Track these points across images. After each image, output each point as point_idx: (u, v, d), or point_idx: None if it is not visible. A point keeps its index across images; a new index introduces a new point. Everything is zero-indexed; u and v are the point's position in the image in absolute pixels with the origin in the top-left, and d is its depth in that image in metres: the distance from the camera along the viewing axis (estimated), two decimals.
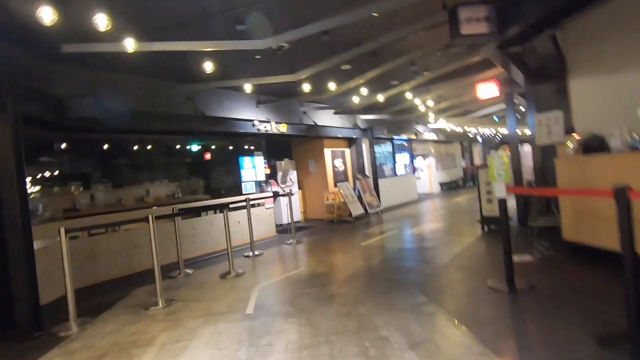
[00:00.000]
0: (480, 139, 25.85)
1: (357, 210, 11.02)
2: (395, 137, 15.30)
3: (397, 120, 14.35)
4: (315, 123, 10.91)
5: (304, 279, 5.14)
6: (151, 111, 7.17)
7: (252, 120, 8.96)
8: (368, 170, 13.09)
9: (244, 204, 7.46)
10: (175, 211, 6.22)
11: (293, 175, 11.81)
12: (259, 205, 9.20)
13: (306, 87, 6.51)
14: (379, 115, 12.32)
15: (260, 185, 9.97)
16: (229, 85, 6.85)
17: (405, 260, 5.71)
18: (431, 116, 11.97)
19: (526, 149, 10.06)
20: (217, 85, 7.10)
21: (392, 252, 6.41)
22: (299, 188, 12.51)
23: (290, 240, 8.14)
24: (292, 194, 8.64)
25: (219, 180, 10.14)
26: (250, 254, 7.19)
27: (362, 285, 4.59)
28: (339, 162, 12.46)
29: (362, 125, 12.86)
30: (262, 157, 9.90)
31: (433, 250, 6.26)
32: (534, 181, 7.71)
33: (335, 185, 11.02)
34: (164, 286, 4.90)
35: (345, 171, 12.72)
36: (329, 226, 10.38)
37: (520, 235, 6.70)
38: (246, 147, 10.00)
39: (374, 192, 12.10)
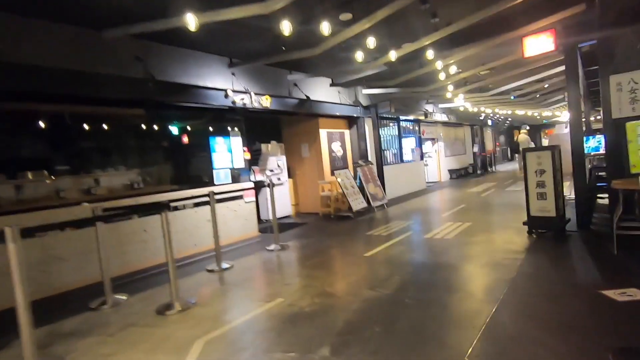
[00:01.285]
0: (490, 122, 23.83)
1: (358, 203, 9.13)
2: (402, 117, 13.29)
3: (406, 97, 12.31)
4: (307, 97, 8.90)
5: (277, 326, 3.27)
6: (80, 71, 5.17)
7: (225, 90, 6.96)
8: (371, 156, 11.14)
9: (222, 196, 5.54)
10: (95, 213, 4.28)
11: (282, 160, 9.87)
12: (234, 198, 7.29)
13: (286, 28, 4.50)
14: (385, 89, 10.29)
15: (242, 173, 8.03)
16: (165, 27, 4.77)
17: (431, 289, 3.83)
18: (450, 88, 9.93)
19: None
20: (146, 30, 5.00)
21: (408, 271, 4.52)
22: (290, 176, 10.58)
23: (272, 246, 6.26)
24: (274, 185, 6.72)
25: (194, 167, 8.17)
26: (216, 267, 5.32)
27: (373, 347, 2.72)
28: (337, 146, 10.50)
29: (364, 102, 10.84)
30: (239, 138, 7.93)
31: (469, 270, 4.39)
32: (596, 168, 5.79)
33: (333, 174, 9.08)
34: (72, 325, 3.06)
35: (344, 156, 10.76)
36: (324, 224, 8.50)
37: (593, 246, 4.82)
38: (227, 126, 8.01)
39: (378, 182, 10.19)
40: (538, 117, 25.40)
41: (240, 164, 7.88)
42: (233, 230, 7.36)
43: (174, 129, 7.33)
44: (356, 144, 10.99)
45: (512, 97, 16.63)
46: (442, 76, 8.07)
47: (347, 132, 11.00)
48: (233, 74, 7.28)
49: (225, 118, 7.67)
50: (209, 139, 7.40)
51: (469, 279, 4.12)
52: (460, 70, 8.20)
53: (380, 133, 12.18)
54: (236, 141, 7.87)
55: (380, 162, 11.01)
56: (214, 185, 7.22)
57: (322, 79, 9.58)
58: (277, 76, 8.21)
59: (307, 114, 9.56)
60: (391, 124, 13.18)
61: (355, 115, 10.61)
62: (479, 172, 19.20)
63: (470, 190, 11.99)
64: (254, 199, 7.83)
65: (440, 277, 4.20)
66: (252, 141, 9.77)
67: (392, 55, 6.22)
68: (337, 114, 10.01)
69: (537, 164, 5.27)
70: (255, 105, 7.49)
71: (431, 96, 12.79)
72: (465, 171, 19.17)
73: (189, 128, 7.59)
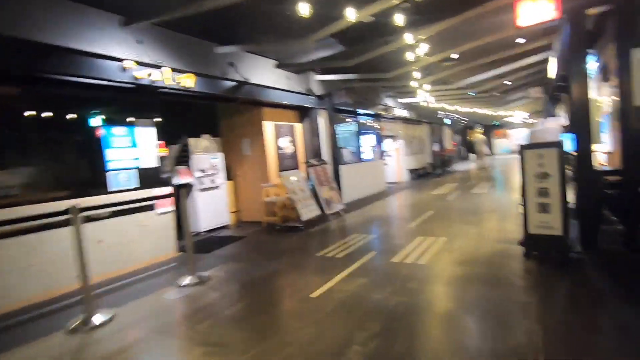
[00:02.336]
0: (448, 121, 23.41)
1: (309, 211, 7.53)
2: (360, 110, 11.91)
3: (365, 87, 10.94)
4: (246, 80, 7.14)
5: None
6: None
7: (121, 61, 5.02)
8: (326, 154, 9.62)
9: (121, 207, 3.66)
10: None
11: (217, 159, 8.02)
12: (142, 209, 5.37)
13: None
14: (341, 75, 8.79)
15: (157, 175, 6.08)
16: None
17: None
18: (416, 76, 8.64)
19: (549, 125, 7.12)
20: None
21: (374, 332, 2.99)
22: (228, 178, 8.75)
23: (186, 280, 4.47)
24: (189, 190, 4.93)
25: (76, 167, 6.00)
26: (82, 322, 3.45)
27: None
28: (285, 142, 8.83)
29: (318, 91, 9.27)
30: (151, 129, 5.99)
31: (459, 329, 2.95)
32: (602, 173, 4.66)
33: (281, 176, 7.40)
34: None
35: (294, 154, 9.13)
36: (266, 238, 6.82)
37: (618, 278, 3.59)
38: (130, 112, 5.98)
39: (334, 184, 8.67)
40: (495, 116, 25.48)
41: (151, 162, 5.94)
42: (139, 252, 5.44)
43: (47, 114, 5.25)
44: (309, 140, 9.40)
45: (472, 94, 16.01)
46: (409, 56, 6.70)
47: (297, 125, 9.37)
48: (140, 41, 5.35)
49: (129, 101, 5.69)
50: (102, 129, 5.39)
51: (462, 346, 2.66)
52: (431, 50, 6.87)
53: (337, 129, 10.71)
54: (146, 133, 5.93)
55: (336, 161, 9.52)
56: (108, 192, 5.25)
57: (264, 60, 7.85)
58: (204, 50, 6.36)
59: (247, 101, 7.79)
60: (349, 119, 11.76)
61: (307, 105, 9.00)
62: (438, 171, 18.49)
63: (434, 193, 10.90)
64: (171, 208, 5.95)
65: (422, 343, 2.70)
66: (177, 134, 7.82)
67: (350, 14, 4.66)
68: (285, 103, 8.34)
69: (538, 166, 3.99)
70: (172, 84, 5.61)
71: (393, 87, 11.52)
72: (425, 171, 18.37)
73: (70, 113, 5.53)
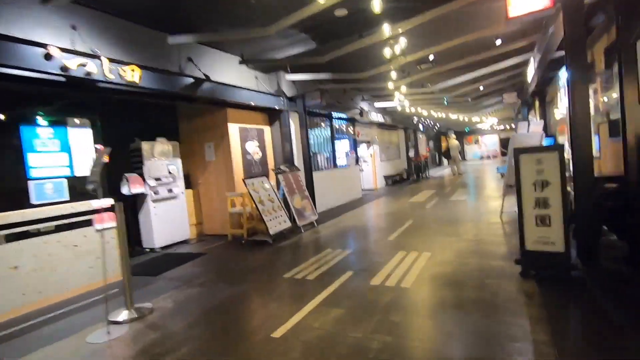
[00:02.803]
0: (422, 127, 23.36)
1: (279, 223, 6.80)
2: (335, 114, 11.34)
3: (339, 89, 10.39)
4: (207, 77, 6.38)
5: None
6: None
7: (46, 47, 4.15)
8: (298, 160, 8.94)
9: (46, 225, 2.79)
10: None
11: (175, 165, 7.16)
12: (76, 226, 4.47)
13: None
14: (313, 74, 8.18)
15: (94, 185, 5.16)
16: None
17: None
18: (393, 76, 8.12)
19: (533, 129, 6.78)
20: None
21: None
22: (189, 187, 7.89)
23: (122, 315, 3.63)
24: (121, 204, 4.15)
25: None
26: None
27: None
28: (253, 146, 8.08)
29: (289, 92, 8.61)
30: (87, 130, 5.11)
31: None
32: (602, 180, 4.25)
33: (245, 184, 6.64)
34: None
35: (264, 160, 8.39)
36: (230, 254, 6.03)
37: (630, 302, 3.10)
38: (60, 109, 5.07)
39: (306, 193, 7.99)
40: (467, 122, 25.74)
41: (84, 170, 5.04)
42: (69, 278, 4.53)
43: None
44: (279, 145, 8.69)
45: (445, 102, 15.88)
46: (386, 52, 6.16)
47: (267, 129, 8.64)
48: (74, 27, 4.49)
49: (61, 97, 4.80)
50: (23, 129, 4.48)
51: None
52: (408, 47, 6.38)
53: (310, 133, 10.09)
54: (81, 135, 5.04)
55: (310, 167, 8.85)
56: (31, 205, 4.32)
57: (228, 57, 7.12)
58: (154, 40, 5.55)
59: (209, 101, 7.01)
60: (322, 123, 11.16)
61: (277, 107, 8.31)
62: (414, 177, 18.22)
63: (412, 200, 10.44)
64: (112, 224, 5.05)
65: None
66: (128, 137, 6.92)
67: None
68: (253, 104, 7.61)
69: (536, 173, 3.48)
70: (113, 78, 4.77)
71: (368, 89, 11.03)
72: (400, 177, 18.06)
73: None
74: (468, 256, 4.64)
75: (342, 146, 12.70)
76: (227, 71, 7.09)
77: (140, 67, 5.15)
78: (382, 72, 7.67)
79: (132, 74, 4.98)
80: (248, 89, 7.52)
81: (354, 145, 13.14)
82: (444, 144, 35.22)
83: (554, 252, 3.43)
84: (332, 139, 11.44)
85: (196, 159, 7.96)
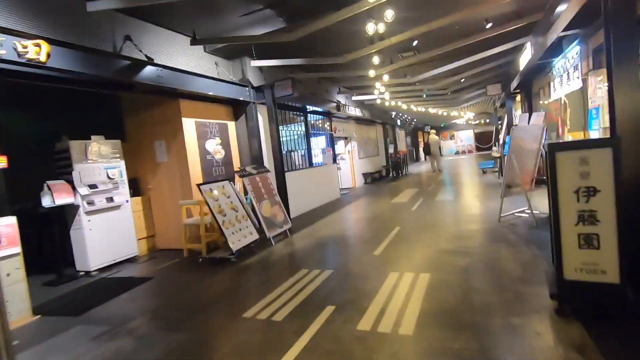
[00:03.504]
0: (399, 122, 22.69)
1: (244, 236, 5.69)
2: (310, 107, 10.29)
3: (314, 79, 9.35)
4: (150, 59, 5.18)
5: None
6: None
7: None
8: (268, 160, 7.84)
9: None
10: None
11: (118, 168, 5.89)
12: None
13: None
14: (283, 60, 7.09)
15: None
16: None
17: None
18: (375, 62, 7.13)
19: (535, 121, 5.98)
20: None
21: None
22: (137, 193, 6.65)
23: None
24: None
25: None
26: None
27: None
28: (214, 144, 6.91)
29: (256, 81, 7.48)
30: None
31: None
32: None
33: (200, 191, 5.46)
34: None
35: (227, 161, 7.23)
36: (181, 279, 4.88)
37: None
38: None
39: (277, 198, 6.90)
40: (446, 117, 25.38)
41: None
42: None
43: None
44: (246, 143, 7.56)
45: (424, 95, 15.17)
46: (370, 28, 5.15)
47: (231, 124, 7.48)
48: None
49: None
50: None
51: None
52: (390, 27, 5.41)
53: (282, 129, 9.02)
54: None
55: (281, 167, 7.76)
56: None
57: (180, 38, 5.92)
58: (69, 8, 4.30)
59: (157, 91, 5.79)
60: (297, 117, 10.07)
61: (242, 99, 7.17)
62: (393, 175, 17.47)
63: (395, 201, 9.57)
64: (16, 250, 3.80)
65: None
66: (52, 135, 5.61)
67: None
68: (211, 94, 6.44)
69: (579, 176, 2.58)
70: (3, 53, 3.51)
71: (346, 79, 10.02)
72: (380, 174, 17.28)
73: None
74: (479, 278, 3.73)
75: (318, 143, 11.68)
76: (178, 55, 5.89)
77: (50, 41, 3.89)
78: (362, 57, 6.67)
79: (37, 51, 3.72)
80: (206, 77, 6.34)
81: (331, 141, 12.15)
82: (421, 140, 34.98)
83: (605, 284, 2.55)
84: (307, 135, 10.38)
85: (145, 160, 6.71)
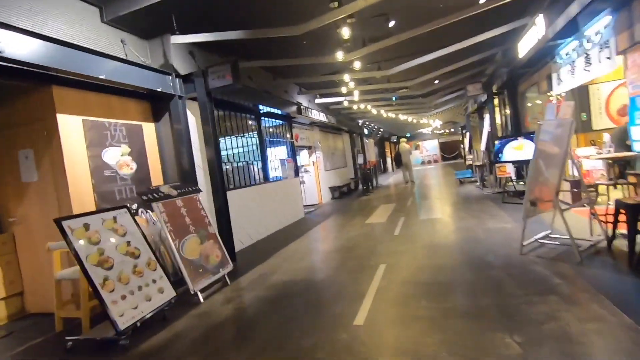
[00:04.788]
0: (366, 131, 21.28)
1: (146, 298, 3.59)
2: (264, 108, 8.36)
3: (266, 70, 7.50)
4: None
5: None
6: None
7: None
8: (204, 175, 5.80)
9: None
10: None
11: None
12: None
13: None
14: (220, 33, 5.15)
15: None
16: None
17: None
18: (345, 33, 5.34)
19: (565, 110, 4.44)
20: None
21: None
22: None
23: None
24: None
25: None
26: None
27: None
28: (117, 155, 4.76)
29: (184, 67, 5.49)
30: None
31: None
32: None
33: (62, 230, 3.31)
34: None
35: (142, 177, 5.08)
36: None
37: None
38: None
39: (212, 229, 4.83)
40: (416, 125, 24.44)
41: None
42: None
43: None
44: (171, 152, 5.48)
45: (394, 98, 13.81)
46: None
47: (148, 127, 5.38)
48: None
49: None
50: None
51: None
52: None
53: (228, 136, 7.05)
54: None
55: (221, 184, 5.72)
56: None
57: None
58: None
59: (10, 71, 3.62)
60: (247, 121, 8.11)
61: (160, 90, 5.12)
62: (363, 188, 15.86)
63: (372, 222, 7.80)
64: None
65: None
66: None
67: None
68: (117, 81, 4.36)
69: None
70: None
71: (307, 69, 8.21)
72: (349, 188, 15.59)
73: None
74: None
75: (277, 153, 9.75)
76: (56, 19, 3.81)
77: None
78: (327, 24, 4.88)
79: None
80: (104, 55, 4.27)
81: (292, 151, 10.27)
82: (388, 150, 34.04)
83: None
84: (262, 143, 8.42)
85: (5, 180, 4.45)
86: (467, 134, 16.99)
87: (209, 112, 5.47)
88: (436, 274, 4.07)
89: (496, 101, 11.30)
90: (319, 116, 11.39)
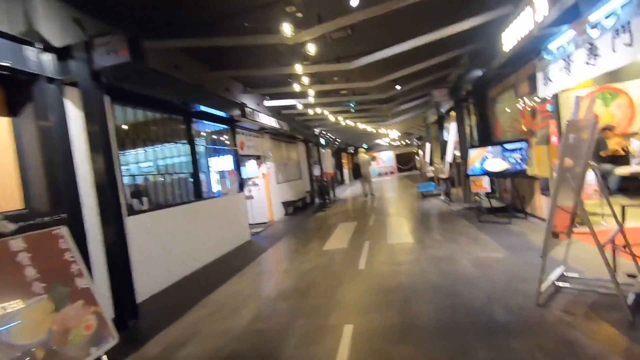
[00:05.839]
0: (323, 141, 20.07)
1: None
2: (196, 106, 6.66)
3: (197, 58, 5.93)
4: None
5: None
6: None
7: None
8: (87, 192, 4.01)
9: None
10: None
11: None
12: None
13: None
14: None
15: None
16: None
17: None
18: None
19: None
20: None
21: None
22: None
23: None
24: None
25: None
26: None
27: None
28: None
29: (60, 36, 3.75)
30: None
31: None
32: None
33: None
34: None
35: None
36: None
37: None
38: None
39: (86, 283, 3.09)
40: (374, 135, 23.72)
41: None
42: None
43: None
44: (36, 161, 3.67)
45: (351, 106, 12.73)
46: None
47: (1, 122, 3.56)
48: None
49: None
50: None
51: None
52: None
53: (143, 140, 5.34)
54: None
55: (116, 208, 3.98)
56: None
57: None
58: None
59: None
60: (174, 124, 6.38)
61: (9, 65, 3.34)
62: (320, 202, 14.50)
63: (330, 248, 6.38)
64: None
65: None
66: None
67: None
68: None
69: None
70: None
71: (251, 60, 6.67)
72: (304, 202, 14.15)
73: None
74: None
75: (218, 164, 8.06)
76: None
77: None
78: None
79: None
80: None
81: (237, 162, 8.63)
82: (345, 161, 33.19)
83: None
84: (193, 151, 6.71)
85: None
86: (428, 145, 16.36)
87: (95, 103, 3.76)
88: (432, 347, 2.70)
89: (452, 113, 10.58)
90: (269, 121, 9.88)
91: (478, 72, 7.49)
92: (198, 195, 6.63)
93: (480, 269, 4.19)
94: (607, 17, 3.99)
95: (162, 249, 5.19)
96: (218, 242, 6.83)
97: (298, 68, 5.88)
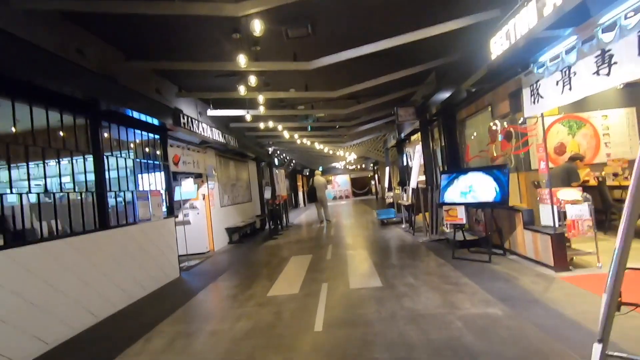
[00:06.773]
0: (277, 161, 18.74)
1: None
2: (106, 105, 5.08)
3: (109, 43, 4.46)
4: None
5: None
6: None
7: None
8: None
9: None
10: None
11: None
12: None
13: None
14: None
15: None
16: None
17: None
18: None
19: None
20: None
21: None
22: None
23: None
24: None
25: None
26: None
27: None
28: None
29: None
30: None
31: None
32: None
33: None
34: None
35: None
36: None
37: None
38: None
39: None
40: (332, 157, 22.84)
41: None
42: None
43: None
44: None
45: (309, 125, 11.72)
46: None
47: None
48: None
49: None
50: None
51: None
52: None
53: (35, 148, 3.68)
54: None
55: None
56: None
57: None
58: None
59: None
60: (71, 126, 4.75)
61: None
62: (271, 227, 13.01)
63: (278, 294, 4.99)
64: None
65: None
66: None
67: None
68: None
69: None
70: None
71: (185, 53, 5.30)
72: (252, 228, 12.59)
73: None
74: None
75: (139, 182, 6.40)
76: None
77: None
78: None
79: None
80: None
81: (168, 180, 7.02)
82: (300, 184, 32.00)
83: None
84: (100, 165, 5.08)
85: None
86: (387, 169, 15.70)
87: None
88: None
89: (415, 136, 9.93)
90: (213, 134, 8.42)
91: (446, 93, 6.74)
92: (103, 223, 4.96)
93: (481, 337, 3.06)
94: (626, 18, 3.26)
95: (40, 301, 3.50)
96: (129, 284, 5.15)
97: (242, 61, 4.60)
